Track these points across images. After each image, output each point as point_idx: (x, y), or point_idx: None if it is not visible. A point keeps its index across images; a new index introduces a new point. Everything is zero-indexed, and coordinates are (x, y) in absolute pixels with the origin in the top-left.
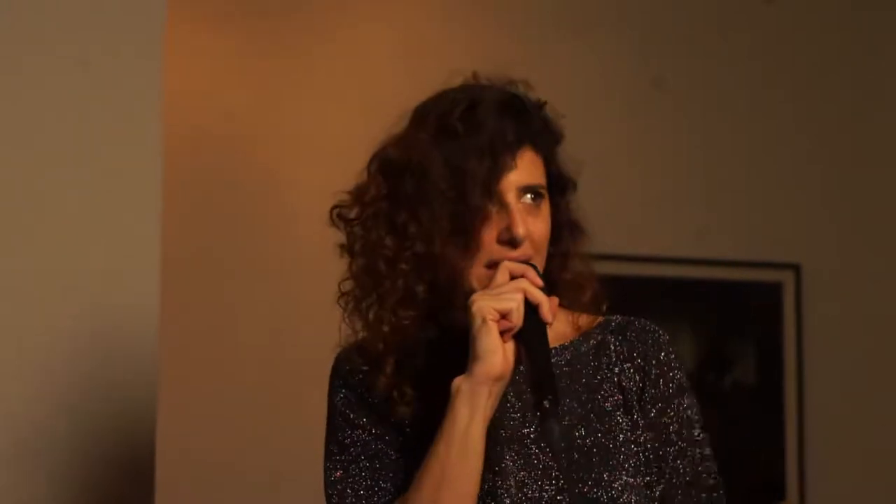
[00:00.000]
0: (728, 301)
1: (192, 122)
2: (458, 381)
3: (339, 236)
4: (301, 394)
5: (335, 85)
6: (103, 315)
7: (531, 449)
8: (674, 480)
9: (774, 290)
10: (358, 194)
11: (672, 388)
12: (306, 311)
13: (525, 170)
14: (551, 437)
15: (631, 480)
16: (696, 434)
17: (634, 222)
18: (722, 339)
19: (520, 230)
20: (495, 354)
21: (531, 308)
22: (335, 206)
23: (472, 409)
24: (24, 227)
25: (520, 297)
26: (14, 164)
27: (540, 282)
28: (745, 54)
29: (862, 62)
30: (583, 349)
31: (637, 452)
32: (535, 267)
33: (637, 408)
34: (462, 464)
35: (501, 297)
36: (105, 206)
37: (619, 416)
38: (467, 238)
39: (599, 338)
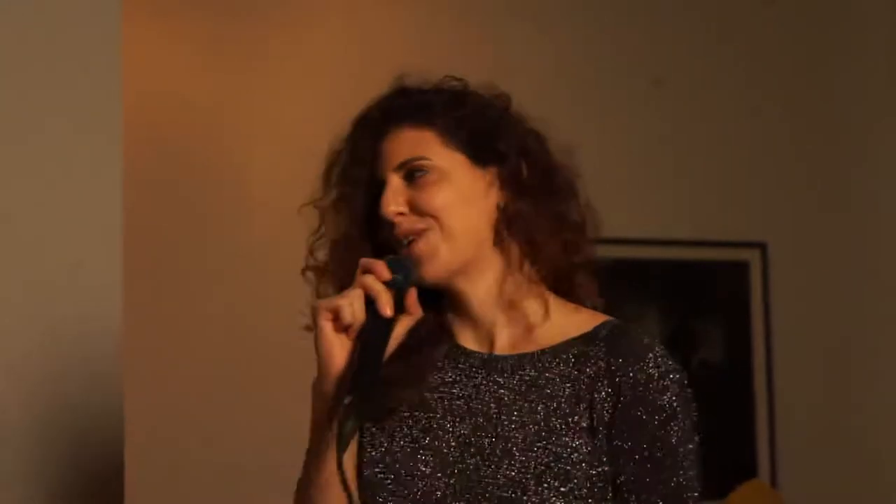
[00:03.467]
0: (695, 281)
1: (151, 115)
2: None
3: (300, 226)
4: (268, 384)
5: (293, 77)
6: (66, 310)
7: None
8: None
9: (741, 269)
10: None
11: (649, 411)
12: (268, 302)
13: (399, 147)
14: (343, 432)
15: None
16: (673, 462)
17: (600, 205)
18: (689, 319)
19: (385, 209)
20: (322, 352)
21: (370, 302)
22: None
23: (313, 410)
24: None
25: (355, 294)
26: None
27: (386, 275)
28: (713, 38)
29: (826, 46)
30: (555, 361)
31: (580, 478)
32: (398, 260)
33: (603, 431)
34: (310, 479)
35: (339, 296)
36: (65, 201)
37: (573, 438)
38: (352, 219)
39: (580, 349)
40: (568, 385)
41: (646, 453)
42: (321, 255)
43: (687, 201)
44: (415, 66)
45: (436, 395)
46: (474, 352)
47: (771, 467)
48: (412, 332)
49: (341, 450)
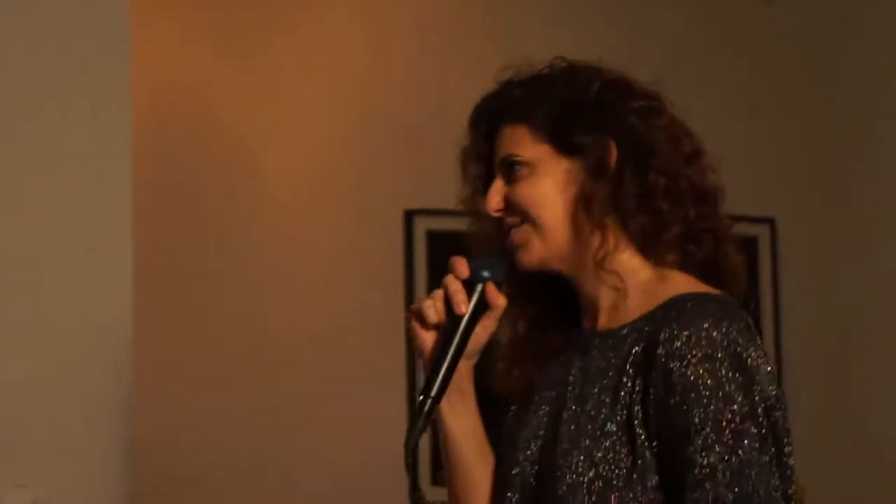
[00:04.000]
0: None
1: (161, 106)
2: None
3: (313, 219)
4: (278, 382)
5: (306, 68)
6: (76, 304)
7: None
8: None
9: (750, 244)
10: None
11: (694, 394)
12: (280, 296)
13: (501, 145)
14: (413, 431)
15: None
16: (728, 449)
17: None
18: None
19: (485, 203)
20: (417, 354)
21: (446, 302)
22: None
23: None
24: None
25: (438, 294)
26: None
27: (464, 272)
28: (725, 21)
29: (836, 28)
30: (609, 342)
31: (611, 466)
32: (483, 256)
33: (643, 417)
34: (449, 467)
35: (428, 295)
36: (76, 195)
37: (606, 427)
38: (471, 212)
39: (635, 327)
40: (611, 371)
41: (695, 430)
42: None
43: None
44: (422, 54)
45: (549, 378)
46: (582, 330)
47: None
48: (536, 318)
49: (409, 445)
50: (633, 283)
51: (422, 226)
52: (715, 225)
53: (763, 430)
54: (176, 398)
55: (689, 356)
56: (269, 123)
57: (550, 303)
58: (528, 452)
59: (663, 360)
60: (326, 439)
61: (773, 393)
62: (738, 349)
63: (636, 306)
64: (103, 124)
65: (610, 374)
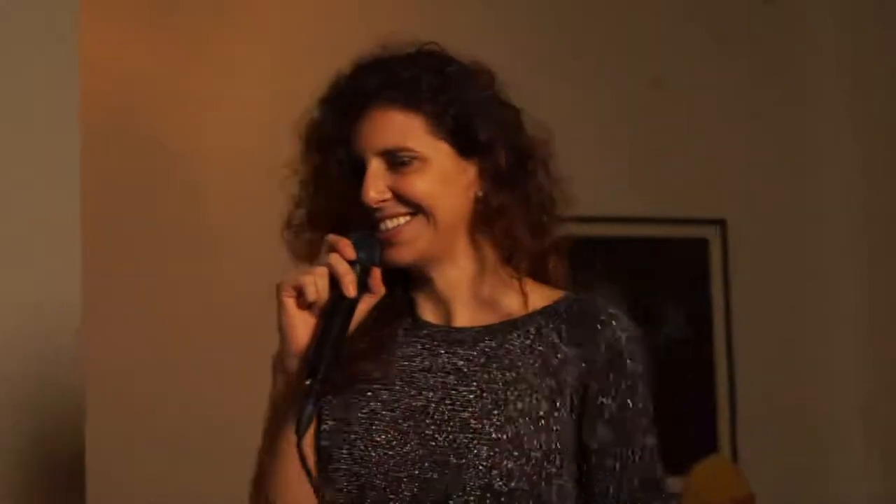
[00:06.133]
0: (655, 258)
1: (106, 90)
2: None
3: (248, 208)
4: (222, 357)
5: (247, 52)
6: (25, 294)
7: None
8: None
9: (701, 245)
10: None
11: (618, 377)
12: (222, 275)
13: (384, 131)
14: (303, 417)
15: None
16: (643, 441)
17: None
18: (651, 295)
19: (367, 195)
20: (284, 330)
21: (334, 282)
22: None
23: (273, 381)
24: None
25: (320, 272)
26: None
27: (351, 254)
28: (680, 18)
29: (783, 24)
30: (515, 334)
31: (535, 447)
32: (364, 238)
33: (571, 400)
34: (271, 430)
35: (305, 271)
36: (23, 182)
37: (531, 408)
38: (329, 204)
39: (542, 322)
40: (530, 357)
41: (619, 416)
42: (299, 226)
43: (647, 178)
44: (375, 40)
45: (396, 368)
46: (435, 325)
47: (732, 442)
48: (375, 306)
49: (301, 433)
50: (506, 283)
51: None
52: (559, 239)
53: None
54: (125, 373)
55: (625, 340)
56: (209, 104)
57: (390, 293)
58: (404, 449)
59: (604, 347)
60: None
61: None
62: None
63: (516, 304)
64: (52, 116)
65: (528, 359)
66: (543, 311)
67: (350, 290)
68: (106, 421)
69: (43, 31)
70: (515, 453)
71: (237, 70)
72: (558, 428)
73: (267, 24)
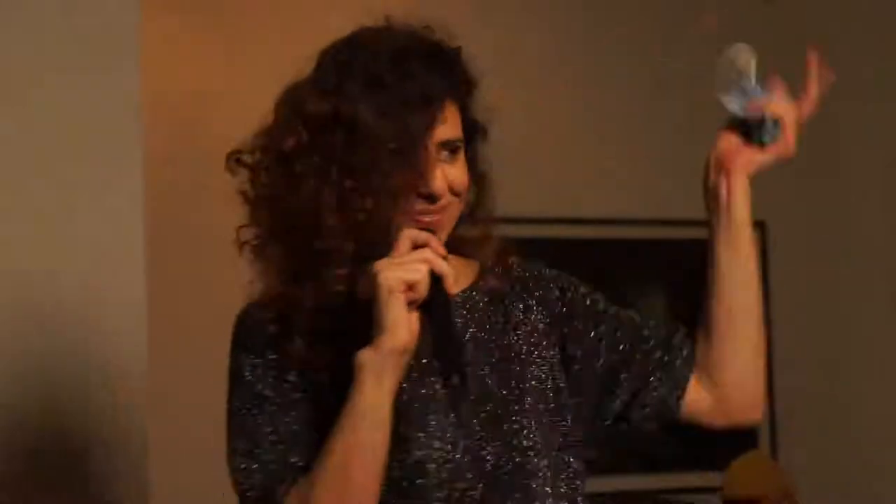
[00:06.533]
0: (684, 259)
1: (168, 105)
2: (363, 355)
3: None
4: None
5: (288, 62)
6: (90, 297)
7: (440, 406)
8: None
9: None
10: (272, 142)
11: (588, 301)
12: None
13: (448, 123)
14: (462, 418)
15: (543, 421)
16: (628, 315)
17: (594, 185)
18: (679, 296)
19: (438, 185)
20: (402, 327)
21: (434, 278)
22: (235, 151)
23: (378, 382)
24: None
25: (425, 269)
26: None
27: (443, 251)
28: (681, 10)
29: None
30: (480, 294)
31: (554, 389)
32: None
33: (561, 335)
34: (371, 437)
35: (407, 267)
36: (89, 190)
37: (536, 356)
38: (399, 194)
39: (497, 282)
40: (501, 316)
41: (613, 326)
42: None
43: (683, 181)
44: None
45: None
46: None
47: (771, 439)
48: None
49: (469, 426)
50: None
51: None
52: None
53: None
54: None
55: (579, 287)
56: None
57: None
58: (473, 429)
59: (569, 294)
60: None
61: None
62: None
63: (473, 271)
64: (116, 131)
65: (532, 321)
66: (495, 273)
67: (451, 285)
68: (167, 420)
69: (107, 57)
70: (540, 406)
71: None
72: (566, 370)
73: (317, 36)
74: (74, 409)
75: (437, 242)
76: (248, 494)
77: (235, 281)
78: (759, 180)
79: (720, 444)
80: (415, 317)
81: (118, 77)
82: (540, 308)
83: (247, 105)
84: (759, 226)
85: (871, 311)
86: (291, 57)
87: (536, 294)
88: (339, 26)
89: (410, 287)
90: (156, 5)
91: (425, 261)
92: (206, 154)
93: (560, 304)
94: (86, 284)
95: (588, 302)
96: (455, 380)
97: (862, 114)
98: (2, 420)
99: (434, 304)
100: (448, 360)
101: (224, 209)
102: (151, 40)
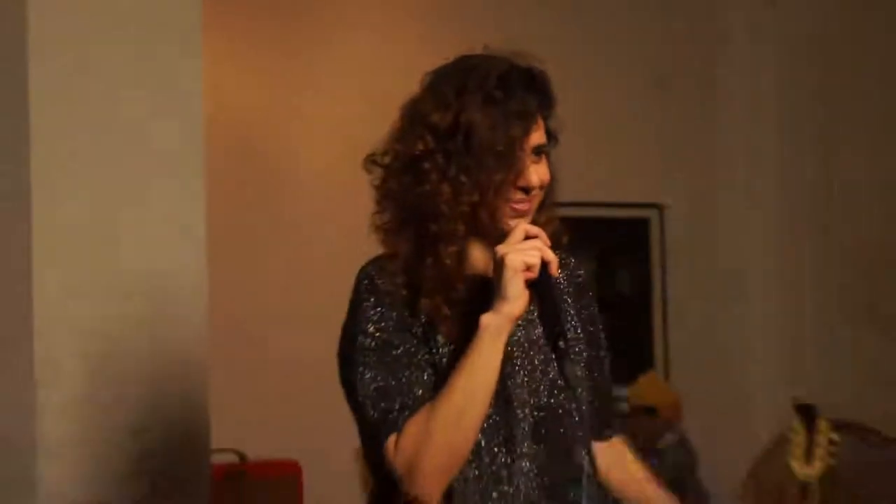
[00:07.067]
0: (610, 234)
1: (228, 118)
2: (487, 318)
3: (342, 202)
4: (318, 313)
5: (336, 77)
6: (157, 281)
7: (534, 364)
8: (601, 387)
9: (643, 224)
10: (403, 146)
11: (594, 306)
12: (314, 258)
13: (538, 132)
14: (566, 371)
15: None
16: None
17: None
18: (607, 261)
19: (534, 179)
20: (520, 299)
21: (542, 263)
22: (371, 155)
23: (495, 340)
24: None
25: (539, 255)
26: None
27: (549, 241)
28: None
29: (709, 26)
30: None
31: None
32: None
33: (577, 323)
34: (484, 388)
35: (527, 252)
36: (158, 187)
37: (578, 334)
38: (505, 187)
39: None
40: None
41: (599, 334)
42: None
43: (602, 169)
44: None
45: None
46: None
47: (665, 365)
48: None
49: (576, 385)
50: None
51: None
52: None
53: None
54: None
55: (596, 307)
56: (306, 124)
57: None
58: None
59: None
60: None
61: None
62: None
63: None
64: (182, 136)
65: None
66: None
67: (556, 272)
68: (228, 398)
69: (170, 69)
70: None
71: (328, 95)
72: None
73: (359, 56)
74: (138, 380)
75: (545, 235)
76: (374, 416)
77: (281, 247)
78: (656, 170)
79: (627, 366)
80: (527, 292)
81: (183, 92)
82: (573, 298)
83: (286, 115)
84: (658, 208)
85: (743, 272)
86: (316, 62)
87: (576, 282)
88: (362, 40)
89: (528, 268)
90: (215, 26)
91: (538, 249)
92: (264, 158)
93: (587, 310)
94: (155, 267)
95: (598, 330)
96: (561, 343)
97: (741, 110)
98: (81, 408)
99: (543, 283)
100: (553, 329)
101: (273, 199)
102: (212, 56)
